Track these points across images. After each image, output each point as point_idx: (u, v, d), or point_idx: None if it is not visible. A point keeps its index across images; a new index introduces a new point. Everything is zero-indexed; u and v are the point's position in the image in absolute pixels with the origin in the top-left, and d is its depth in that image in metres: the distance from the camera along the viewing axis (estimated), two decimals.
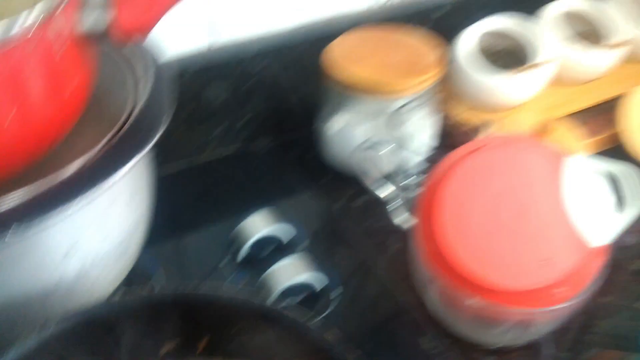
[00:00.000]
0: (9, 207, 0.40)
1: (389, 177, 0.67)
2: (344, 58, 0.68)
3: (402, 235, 0.62)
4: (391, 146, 0.66)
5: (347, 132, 0.70)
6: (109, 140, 0.46)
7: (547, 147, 0.55)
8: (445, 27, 0.79)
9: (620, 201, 0.51)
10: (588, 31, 0.83)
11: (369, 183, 0.68)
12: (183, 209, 0.67)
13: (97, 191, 0.42)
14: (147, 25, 0.47)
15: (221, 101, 0.73)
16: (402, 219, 0.66)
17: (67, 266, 0.46)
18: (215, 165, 0.75)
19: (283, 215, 0.65)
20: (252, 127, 0.76)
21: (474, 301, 0.51)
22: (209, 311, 0.43)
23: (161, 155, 0.55)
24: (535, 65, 0.74)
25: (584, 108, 0.78)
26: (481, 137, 0.63)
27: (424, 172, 0.64)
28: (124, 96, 0.50)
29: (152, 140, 0.46)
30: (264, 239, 0.64)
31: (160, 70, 0.52)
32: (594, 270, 0.52)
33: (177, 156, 0.73)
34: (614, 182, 0.53)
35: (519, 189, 0.52)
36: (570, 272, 0.50)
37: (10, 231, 0.39)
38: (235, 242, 0.63)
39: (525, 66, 0.74)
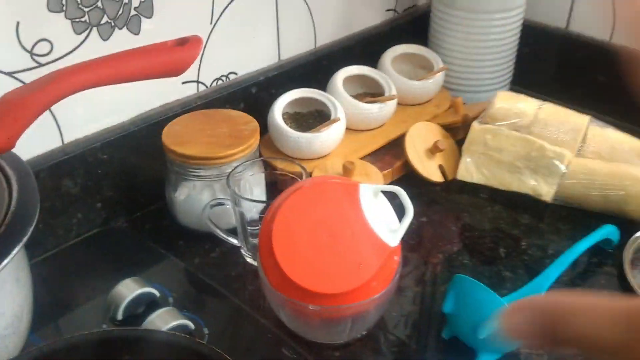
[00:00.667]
0: None
1: (236, 228, 0.80)
2: (179, 137, 0.82)
3: (256, 272, 0.75)
4: (232, 202, 0.80)
5: (193, 197, 0.83)
6: None
7: (347, 181, 0.73)
8: (258, 102, 0.97)
9: (403, 211, 0.70)
10: (368, 89, 1.04)
11: (219, 236, 0.81)
12: (60, 287, 0.76)
13: None
14: (13, 140, 0.57)
15: (77, 190, 0.83)
16: (253, 258, 0.80)
17: None
18: (79, 246, 0.85)
19: (149, 280, 0.75)
20: (108, 208, 0.87)
21: (315, 308, 0.66)
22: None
23: (32, 245, 0.64)
24: (333, 122, 0.92)
25: (376, 148, 0.98)
26: (300, 181, 0.78)
27: (261, 218, 0.79)
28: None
29: (27, 233, 0.57)
30: (136, 299, 0.74)
31: (25, 175, 0.62)
32: (395, 264, 0.69)
33: (46, 243, 0.81)
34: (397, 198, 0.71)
35: (331, 215, 0.68)
36: (379, 269, 0.67)
37: None
38: (111, 306, 0.73)
39: (324, 124, 0.92)
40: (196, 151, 0.80)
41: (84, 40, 0.78)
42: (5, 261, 0.54)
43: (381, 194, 0.71)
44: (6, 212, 0.58)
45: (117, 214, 0.88)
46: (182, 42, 0.61)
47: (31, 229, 0.57)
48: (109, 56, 0.58)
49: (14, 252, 0.55)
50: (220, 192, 0.83)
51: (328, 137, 0.91)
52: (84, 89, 0.55)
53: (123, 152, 0.85)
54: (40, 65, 0.76)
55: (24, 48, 0.74)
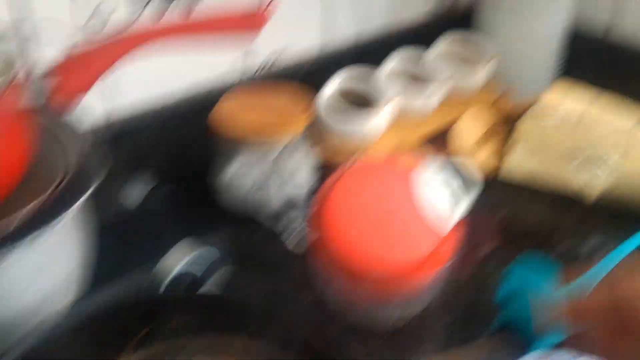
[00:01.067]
0: None
1: (280, 212, 0.79)
2: (229, 116, 0.81)
3: (298, 257, 0.74)
4: (278, 184, 0.79)
5: (239, 177, 0.82)
6: (50, 195, 0.55)
7: (400, 163, 0.72)
8: (309, 82, 0.96)
9: (455, 197, 0.68)
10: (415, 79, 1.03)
11: (263, 219, 0.80)
12: (105, 256, 0.75)
13: (49, 229, 0.51)
14: (84, 89, 0.57)
15: (123, 162, 0.82)
16: (296, 244, 0.79)
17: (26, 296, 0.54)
18: (123, 219, 0.84)
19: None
20: (153, 183, 0.86)
21: (364, 288, 0.65)
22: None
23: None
24: (382, 105, 0.91)
25: (423, 137, 0.97)
26: (352, 162, 0.77)
27: (309, 201, 0.78)
28: (60, 161, 0.59)
29: (88, 192, 0.56)
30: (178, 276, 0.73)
31: (89, 137, 0.62)
32: (447, 250, 0.68)
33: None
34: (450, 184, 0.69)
35: (384, 196, 0.67)
36: (431, 253, 0.65)
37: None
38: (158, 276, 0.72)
39: (374, 108, 0.91)
40: (246, 128, 0.79)
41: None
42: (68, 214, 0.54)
43: (436, 176, 0.69)
44: (65, 172, 0.58)
45: (161, 189, 0.87)
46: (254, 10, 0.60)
47: (93, 187, 0.57)
48: (180, 18, 0.57)
49: (77, 204, 0.55)
50: (267, 172, 0.82)
51: (378, 121, 0.90)
52: (153, 49, 0.54)
53: (172, 126, 0.84)
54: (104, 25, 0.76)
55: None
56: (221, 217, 0.84)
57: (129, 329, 0.53)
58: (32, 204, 0.52)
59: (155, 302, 0.54)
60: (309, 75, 0.98)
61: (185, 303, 0.53)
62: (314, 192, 0.76)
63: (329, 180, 0.70)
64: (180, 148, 0.88)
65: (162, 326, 0.53)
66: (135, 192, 0.85)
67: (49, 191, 0.55)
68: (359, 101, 0.97)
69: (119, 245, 0.78)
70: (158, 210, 0.86)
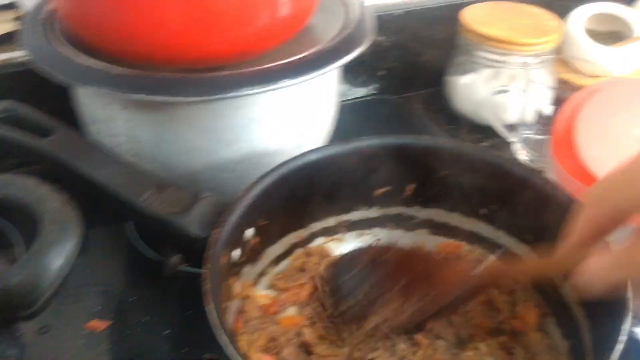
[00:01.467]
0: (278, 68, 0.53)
1: (513, 124, 0.78)
2: (478, 20, 0.80)
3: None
4: (516, 96, 0.77)
5: (477, 83, 0.82)
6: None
7: None
8: (557, 7, 0.91)
9: None
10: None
11: (495, 126, 0.79)
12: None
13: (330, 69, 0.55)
14: None
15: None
16: (526, 157, 0.77)
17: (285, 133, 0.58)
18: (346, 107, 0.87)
19: None
20: (386, 80, 0.89)
21: None
22: (417, 160, 0.53)
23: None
24: (633, 40, 0.85)
25: None
26: (601, 83, 0.74)
27: (544, 118, 0.75)
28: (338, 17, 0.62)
29: (358, 49, 0.59)
30: None
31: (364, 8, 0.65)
32: None
33: None
34: None
35: (634, 120, 0.64)
36: None
37: (281, 82, 0.52)
38: None
39: (624, 41, 0.86)
40: (496, 33, 0.78)
41: None
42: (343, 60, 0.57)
43: None
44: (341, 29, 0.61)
45: (393, 87, 0.89)
46: None
47: (361, 48, 0.59)
48: None
49: (344, 59, 0.57)
50: (503, 84, 0.80)
51: (627, 55, 0.84)
52: None
53: (413, 27, 0.85)
54: None
55: None
56: (449, 122, 0.85)
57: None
58: (317, 47, 0.56)
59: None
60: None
61: None
62: (553, 109, 0.73)
63: (577, 95, 0.68)
64: (419, 47, 0.88)
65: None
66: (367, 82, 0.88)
67: (328, 40, 0.58)
68: (606, 37, 0.91)
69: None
70: (382, 107, 0.88)
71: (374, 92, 0.90)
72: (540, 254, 0.45)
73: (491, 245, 0.55)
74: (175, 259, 0.61)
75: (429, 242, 0.57)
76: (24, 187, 0.40)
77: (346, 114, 0.80)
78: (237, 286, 0.48)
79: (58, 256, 0.37)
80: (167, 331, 0.58)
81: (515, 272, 0.49)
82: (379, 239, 0.58)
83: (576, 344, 0.46)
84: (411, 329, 0.48)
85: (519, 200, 0.51)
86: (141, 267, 0.66)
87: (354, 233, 0.57)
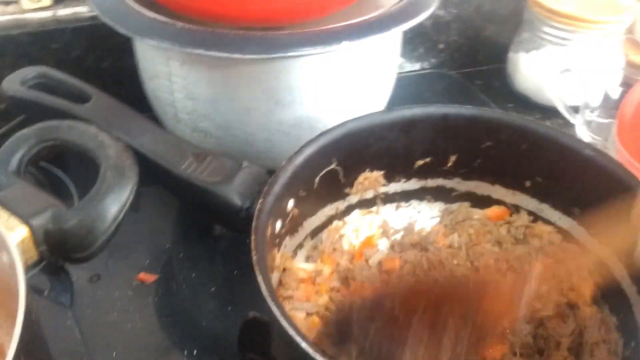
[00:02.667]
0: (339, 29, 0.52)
1: (578, 106, 0.75)
2: None
3: None
4: (582, 77, 0.74)
5: (541, 60, 0.79)
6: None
7: None
8: None
9: None
10: None
11: (558, 107, 0.76)
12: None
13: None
14: None
15: (426, 27, 0.83)
16: (589, 140, 0.74)
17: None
18: (405, 80, 0.86)
19: None
20: (448, 53, 0.86)
21: None
22: (460, 130, 0.51)
23: None
24: None
25: None
26: None
27: (610, 101, 0.72)
28: None
29: (422, 15, 0.57)
30: None
31: None
32: None
33: None
34: None
35: None
36: None
37: (342, 43, 0.51)
38: None
39: None
40: (565, 9, 0.75)
41: None
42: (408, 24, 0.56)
43: None
44: None
45: (453, 62, 0.87)
46: None
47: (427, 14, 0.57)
48: None
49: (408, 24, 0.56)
50: (568, 63, 0.77)
51: None
52: None
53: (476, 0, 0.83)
54: None
55: None
56: (508, 99, 0.82)
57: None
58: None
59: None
60: None
61: None
62: (621, 92, 0.70)
63: None
64: (483, 23, 0.86)
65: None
66: (427, 56, 0.86)
67: (390, 6, 0.57)
68: None
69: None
70: (441, 81, 0.87)
71: (432, 66, 0.88)
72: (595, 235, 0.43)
73: (535, 218, 0.54)
74: None
75: (471, 214, 0.56)
76: (86, 133, 0.41)
77: (402, 87, 0.79)
78: (278, 258, 0.48)
79: (115, 201, 0.38)
80: (213, 288, 0.59)
81: (573, 271, 0.46)
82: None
83: (625, 319, 0.45)
84: None
85: (565, 172, 0.50)
86: (189, 227, 0.66)
87: (391, 206, 0.56)
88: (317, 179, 0.49)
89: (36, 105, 0.55)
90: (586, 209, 0.49)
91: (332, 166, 0.49)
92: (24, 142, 0.41)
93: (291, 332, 0.35)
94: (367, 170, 0.53)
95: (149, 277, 0.60)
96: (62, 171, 0.71)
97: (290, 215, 0.47)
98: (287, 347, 0.38)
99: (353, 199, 0.54)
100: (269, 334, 0.51)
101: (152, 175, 0.54)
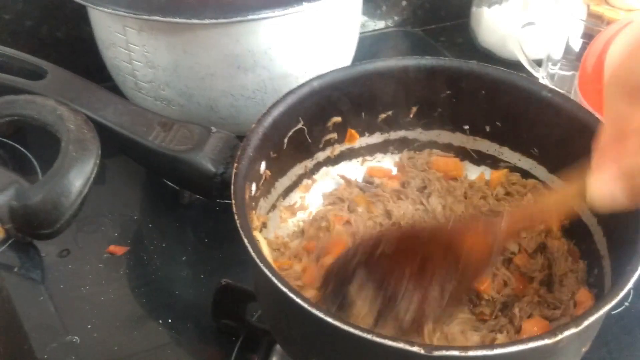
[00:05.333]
0: None
1: (540, 59, 0.76)
2: None
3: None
4: (544, 30, 0.74)
5: (503, 15, 0.79)
6: None
7: None
8: None
9: None
10: None
11: (522, 61, 0.77)
12: None
13: None
14: None
15: None
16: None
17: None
18: (370, 39, 0.86)
19: None
20: (410, 11, 0.86)
21: None
22: (420, 82, 0.52)
23: None
24: None
25: None
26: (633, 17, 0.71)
27: (572, 53, 0.73)
28: None
29: None
30: None
31: None
32: None
33: None
34: None
35: None
36: None
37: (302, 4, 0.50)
38: None
39: None
40: None
41: None
42: None
43: None
44: None
45: (416, 19, 0.87)
46: None
47: None
48: None
49: None
50: (531, 17, 0.77)
51: None
52: None
53: None
54: None
55: None
56: (472, 54, 0.83)
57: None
58: None
59: None
60: None
61: None
62: (583, 44, 0.71)
63: (604, 35, 0.65)
64: None
65: None
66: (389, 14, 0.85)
67: None
68: None
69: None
70: (404, 40, 0.86)
71: (395, 24, 0.87)
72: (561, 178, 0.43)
73: (495, 162, 0.55)
74: None
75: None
76: (44, 107, 0.40)
77: (365, 47, 0.78)
78: (255, 219, 0.48)
79: (78, 175, 0.37)
80: (184, 257, 0.59)
81: (540, 211, 0.45)
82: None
83: (588, 249, 0.48)
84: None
85: (524, 115, 0.51)
86: (157, 196, 0.66)
87: (357, 160, 0.57)
88: (285, 140, 0.49)
89: None
90: (545, 149, 0.51)
91: (299, 125, 0.49)
92: None
93: (284, 288, 0.35)
94: (332, 127, 0.53)
95: (119, 250, 0.59)
96: (23, 147, 0.70)
97: (264, 177, 0.48)
98: (275, 303, 0.40)
99: (320, 156, 0.54)
100: (242, 300, 0.52)
101: (119, 147, 0.53)
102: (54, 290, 0.56)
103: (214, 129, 0.49)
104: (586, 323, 0.34)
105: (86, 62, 0.76)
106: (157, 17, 0.49)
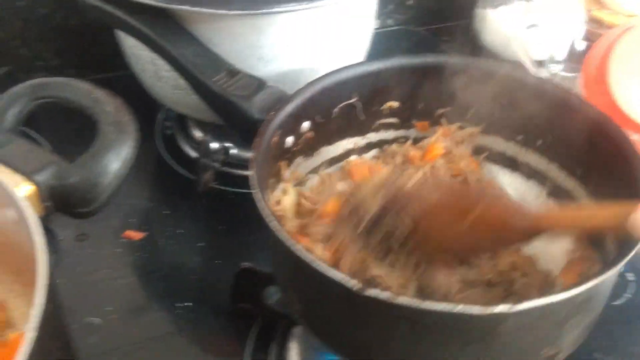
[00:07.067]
0: None
1: (543, 61, 0.78)
2: None
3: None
4: (547, 31, 0.77)
5: (508, 16, 0.81)
6: None
7: None
8: None
9: None
10: None
11: (525, 64, 0.79)
12: None
13: None
14: None
15: None
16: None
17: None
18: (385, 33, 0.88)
19: None
20: (415, 10, 0.88)
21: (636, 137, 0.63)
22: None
23: None
24: None
25: None
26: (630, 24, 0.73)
27: (575, 55, 0.76)
28: None
29: None
30: None
31: None
32: None
33: None
34: None
35: None
36: None
37: None
38: None
39: None
40: None
41: None
42: None
43: None
44: None
45: (421, 18, 0.89)
46: None
47: None
48: None
49: None
50: (534, 19, 0.80)
51: None
52: None
53: None
54: None
55: None
56: (480, 54, 0.84)
57: None
58: None
59: None
60: None
61: None
62: (585, 46, 0.73)
63: (607, 38, 0.68)
64: None
65: None
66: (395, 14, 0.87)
67: None
68: None
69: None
70: (409, 39, 0.88)
71: (400, 23, 0.89)
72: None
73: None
74: (208, 175, 0.62)
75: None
76: (80, 90, 0.41)
77: (371, 45, 0.81)
78: (287, 172, 0.50)
79: (116, 156, 0.38)
80: (201, 244, 0.60)
81: (574, 219, 0.44)
82: None
83: None
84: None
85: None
86: (174, 184, 0.67)
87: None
88: (336, 109, 0.51)
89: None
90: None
91: (353, 100, 0.51)
92: (17, 100, 0.41)
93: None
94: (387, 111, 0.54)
95: (135, 235, 0.61)
96: (37, 132, 0.71)
97: (305, 136, 0.50)
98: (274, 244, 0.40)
99: (373, 137, 0.56)
100: (261, 283, 0.53)
101: (189, 84, 0.55)
102: (72, 273, 0.57)
103: (270, 83, 0.52)
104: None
105: (100, 50, 0.77)
106: (186, 7, 0.50)
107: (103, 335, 0.52)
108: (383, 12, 0.87)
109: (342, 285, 0.34)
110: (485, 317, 0.34)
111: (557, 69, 0.77)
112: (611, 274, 0.37)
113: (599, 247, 0.48)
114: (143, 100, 0.64)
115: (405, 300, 0.34)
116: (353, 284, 0.34)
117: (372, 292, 0.34)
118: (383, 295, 0.34)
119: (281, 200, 0.48)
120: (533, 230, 0.42)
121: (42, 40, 0.77)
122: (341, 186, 0.52)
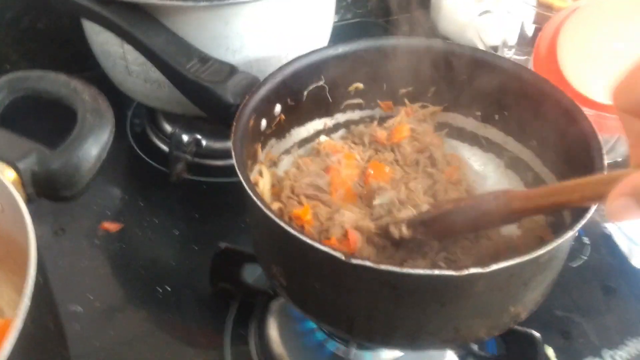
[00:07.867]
0: None
1: (496, 46, 0.82)
2: None
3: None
4: (499, 17, 0.80)
5: (461, 5, 0.85)
6: None
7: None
8: None
9: None
10: None
11: (480, 48, 0.83)
12: None
13: None
14: None
15: None
16: None
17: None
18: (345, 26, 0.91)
19: None
20: (373, 2, 0.91)
21: (589, 112, 0.67)
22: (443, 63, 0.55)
23: None
24: None
25: None
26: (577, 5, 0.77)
27: (526, 39, 0.79)
28: None
29: None
30: None
31: None
32: None
33: None
34: None
35: (621, 31, 0.68)
36: None
37: None
38: None
39: None
40: None
41: None
42: None
43: None
44: None
45: (379, 10, 0.92)
46: None
47: None
48: None
49: None
50: (491, 3, 0.83)
51: None
52: None
53: None
54: None
55: None
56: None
57: None
58: None
59: None
60: None
61: None
62: (535, 30, 0.77)
63: (555, 20, 0.71)
64: None
65: None
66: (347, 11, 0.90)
67: None
68: None
69: None
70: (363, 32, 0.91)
71: (359, 15, 0.92)
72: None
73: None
74: (180, 167, 0.64)
75: None
76: (58, 82, 0.42)
77: (332, 38, 0.84)
78: (262, 154, 0.52)
79: (96, 141, 0.40)
80: (177, 232, 0.62)
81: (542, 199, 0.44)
82: None
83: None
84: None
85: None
86: (147, 177, 0.69)
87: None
88: (305, 92, 0.53)
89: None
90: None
91: (320, 83, 0.54)
92: None
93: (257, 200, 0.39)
94: (354, 93, 0.57)
95: (113, 226, 0.62)
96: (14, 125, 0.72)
97: (277, 119, 0.52)
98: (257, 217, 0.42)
99: (340, 117, 0.58)
100: (239, 262, 0.55)
101: (162, 72, 0.56)
102: (52, 266, 0.57)
103: (242, 69, 0.54)
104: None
105: (68, 52, 0.78)
106: (154, 1, 0.52)
107: (86, 322, 0.54)
108: (340, 5, 0.90)
109: (329, 255, 0.37)
110: (460, 278, 0.36)
111: (510, 53, 0.81)
112: (569, 236, 0.39)
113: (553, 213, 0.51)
114: (112, 100, 0.66)
115: (388, 267, 0.36)
116: (339, 254, 0.37)
117: (357, 260, 0.36)
118: (367, 263, 0.36)
119: (258, 182, 0.51)
120: (510, 218, 0.45)
121: (11, 43, 0.77)
122: (315, 171, 0.54)
